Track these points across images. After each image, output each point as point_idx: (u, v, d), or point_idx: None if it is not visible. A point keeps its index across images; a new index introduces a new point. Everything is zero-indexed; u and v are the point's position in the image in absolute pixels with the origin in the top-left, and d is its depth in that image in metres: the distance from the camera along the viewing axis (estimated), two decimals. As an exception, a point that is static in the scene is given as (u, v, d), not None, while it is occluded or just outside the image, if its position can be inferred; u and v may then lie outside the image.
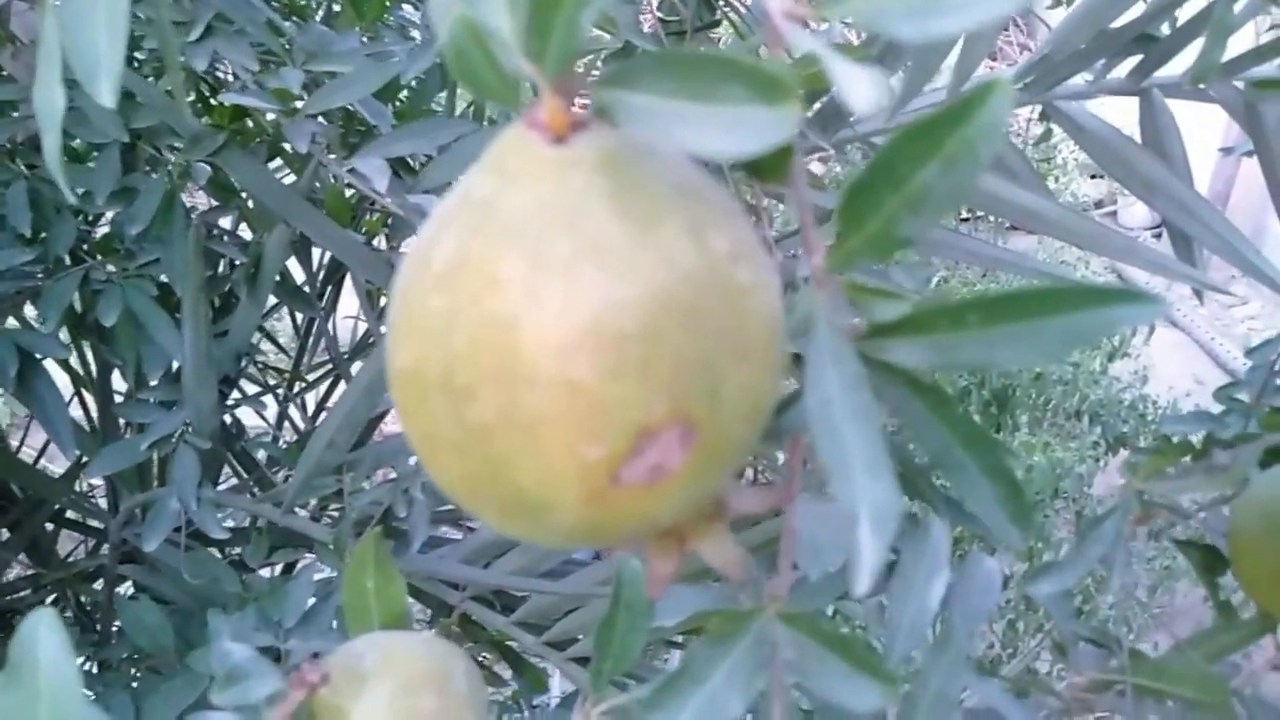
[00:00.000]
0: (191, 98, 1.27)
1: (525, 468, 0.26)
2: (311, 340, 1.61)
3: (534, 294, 0.25)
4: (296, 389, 1.61)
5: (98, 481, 1.48)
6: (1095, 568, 0.59)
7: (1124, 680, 0.57)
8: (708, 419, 0.26)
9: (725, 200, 0.28)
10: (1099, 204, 4.81)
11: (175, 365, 1.14)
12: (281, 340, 1.79)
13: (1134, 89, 0.90)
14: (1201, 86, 0.85)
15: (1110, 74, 0.90)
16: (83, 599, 1.34)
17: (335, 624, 1.00)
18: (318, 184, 1.21)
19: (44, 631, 0.33)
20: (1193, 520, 0.64)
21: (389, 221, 1.56)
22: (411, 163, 1.23)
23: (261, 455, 1.35)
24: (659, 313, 0.25)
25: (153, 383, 1.12)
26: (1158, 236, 4.24)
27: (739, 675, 0.37)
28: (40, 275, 1.06)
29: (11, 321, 1.15)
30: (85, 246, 1.11)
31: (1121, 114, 0.92)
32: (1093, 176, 4.72)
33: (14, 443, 1.59)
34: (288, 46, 0.92)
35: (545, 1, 0.23)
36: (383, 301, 1.62)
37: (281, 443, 1.50)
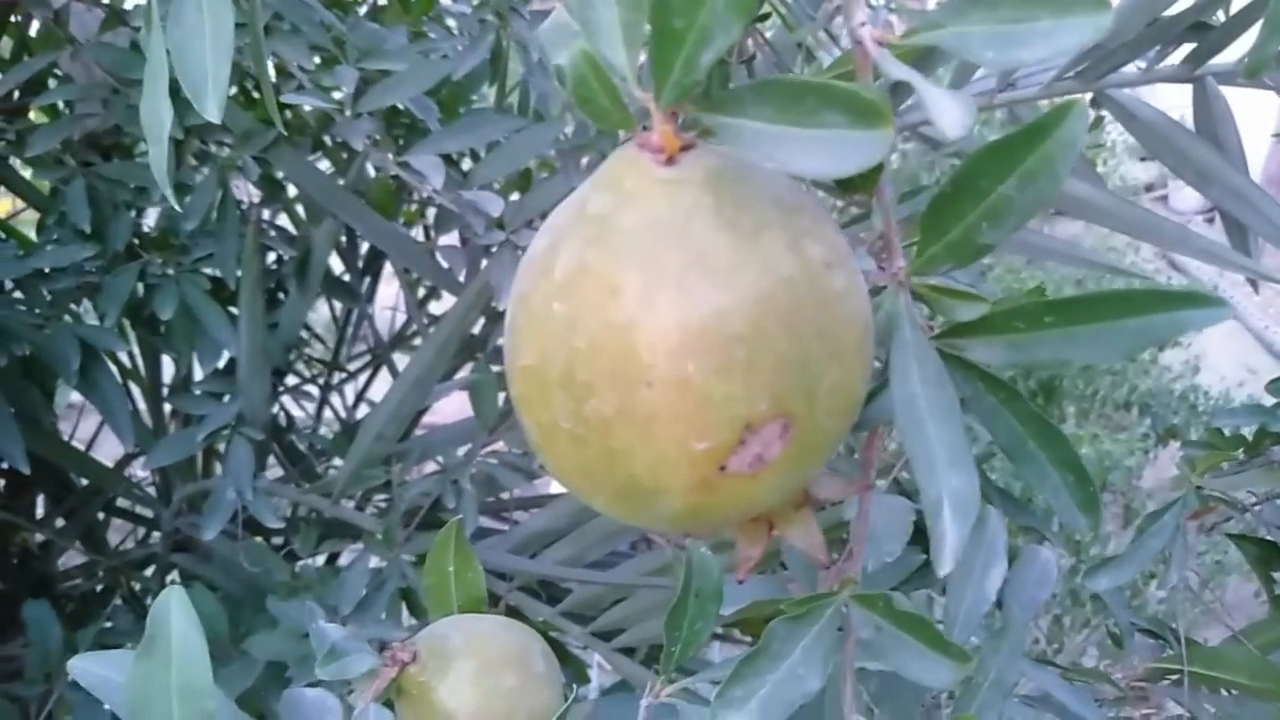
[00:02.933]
0: (234, 91, 1.30)
1: (639, 458, 0.28)
2: (351, 331, 1.63)
3: (649, 301, 0.27)
4: (336, 380, 1.64)
5: (143, 472, 1.51)
6: (1150, 563, 0.60)
7: (1180, 669, 0.59)
8: (805, 415, 0.29)
9: (819, 212, 0.30)
10: (1149, 187, 4.74)
11: (224, 359, 1.17)
12: (319, 330, 1.83)
13: (1187, 76, 0.90)
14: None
15: (1163, 62, 0.91)
16: (135, 586, 1.38)
17: (384, 614, 1.03)
18: (359, 177, 1.24)
19: (175, 607, 0.36)
20: (1247, 514, 0.66)
21: (424, 213, 1.59)
22: (454, 159, 1.25)
23: (305, 447, 1.38)
24: (762, 317, 0.28)
25: (203, 376, 1.15)
26: (1210, 221, 4.19)
27: (816, 653, 0.39)
28: (98, 271, 1.09)
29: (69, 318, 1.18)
30: (139, 242, 1.14)
31: (1175, 100, 0.92)
32: (1142, 159, 4.65)
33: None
34: (340, 44, 0.95)
35: (667, 40, 0.26)
36: (421, 292, 1.65)
37: (322, 434, 1.53)
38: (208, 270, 1.14)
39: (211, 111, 0.42)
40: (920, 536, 0.90)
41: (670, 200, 0.28)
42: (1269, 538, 0.72)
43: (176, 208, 0.73)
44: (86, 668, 0.40)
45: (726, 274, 0.27)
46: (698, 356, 0.27)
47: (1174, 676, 0.67)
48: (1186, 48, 0.88)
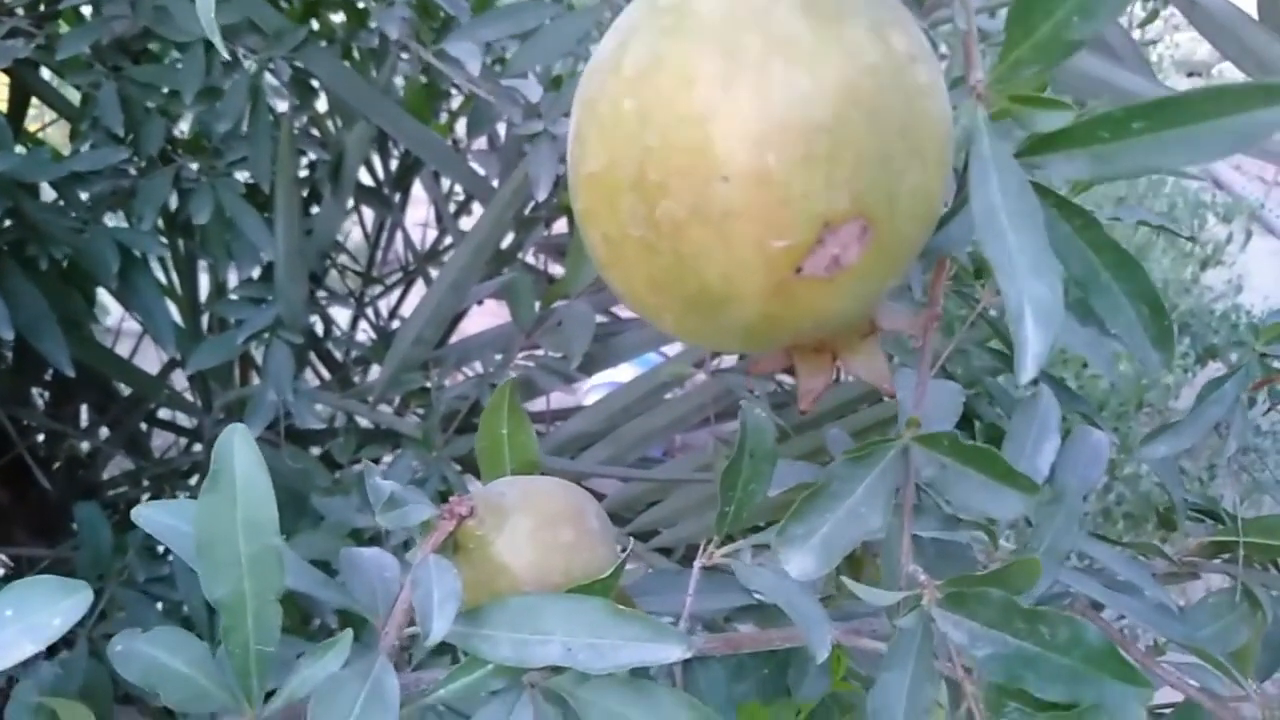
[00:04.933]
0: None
1: (713, 262, 0.27)
2: (385, 244, 1.63)
3: (727, 88, 0.26)
4: (369, 294, 1.64)
5: (183, 384, 1.53)
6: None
7: (1236, 540, 0.58)
8: (885, 217, 0.28)
9: (900, 6, 0.29)
10: (1194, 100, 4.62)
11: (259, 266, 1.17)
12: (349, 249, 1.83)
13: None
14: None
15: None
16: (178, 494, 1.40)
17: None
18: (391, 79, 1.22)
19: (239, 445, 0.36)
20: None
21: (453, 126, 1.57)
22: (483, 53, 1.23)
23: (341, 355, 1.39)
24: (845, 105, 0.26)
25: (239, 280, 1.15)
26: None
27: (878, 492, 0.39)
28: (132, 176, 1.08)
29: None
30: (172, 147, 1.14)
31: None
32: (1189, 74, 4.54)
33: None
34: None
35: None
36: (452, 208, 1.64)
37: (359, 342, 1.54)
38: (242, 175, 1.13)
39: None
40: (966, 422, 0.89)
41: (749, -16, 0.27)
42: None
43: (224, 53, 0.72)
44: (152, 515, 0.40)
45: (809, 60, 0.26)
46: (779, 147, 0.26)
47: (1227, 555, 0.66)
48: None
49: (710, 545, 0.52)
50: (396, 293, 1.70)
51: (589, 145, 0.29)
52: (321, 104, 1.30)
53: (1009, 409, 0.91)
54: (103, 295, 1.30)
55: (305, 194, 1.28)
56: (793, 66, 0.26)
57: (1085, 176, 0.32)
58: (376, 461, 1.42)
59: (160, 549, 1.10)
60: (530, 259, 1.47)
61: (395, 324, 1.69)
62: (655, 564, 1.17)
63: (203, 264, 1.29)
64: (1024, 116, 0.32)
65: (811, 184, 0.26)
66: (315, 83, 1.17)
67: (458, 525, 0.45)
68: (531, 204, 1.21)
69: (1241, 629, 0.62)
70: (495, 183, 1.22)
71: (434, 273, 1.62)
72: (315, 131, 1.35)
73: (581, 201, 0.30)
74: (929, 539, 0.54)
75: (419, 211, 1.76)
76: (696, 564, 0.52)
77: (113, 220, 1.17)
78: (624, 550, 0.50)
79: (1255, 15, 0.88)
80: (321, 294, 1.50)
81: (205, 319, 1.38)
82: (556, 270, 1.51)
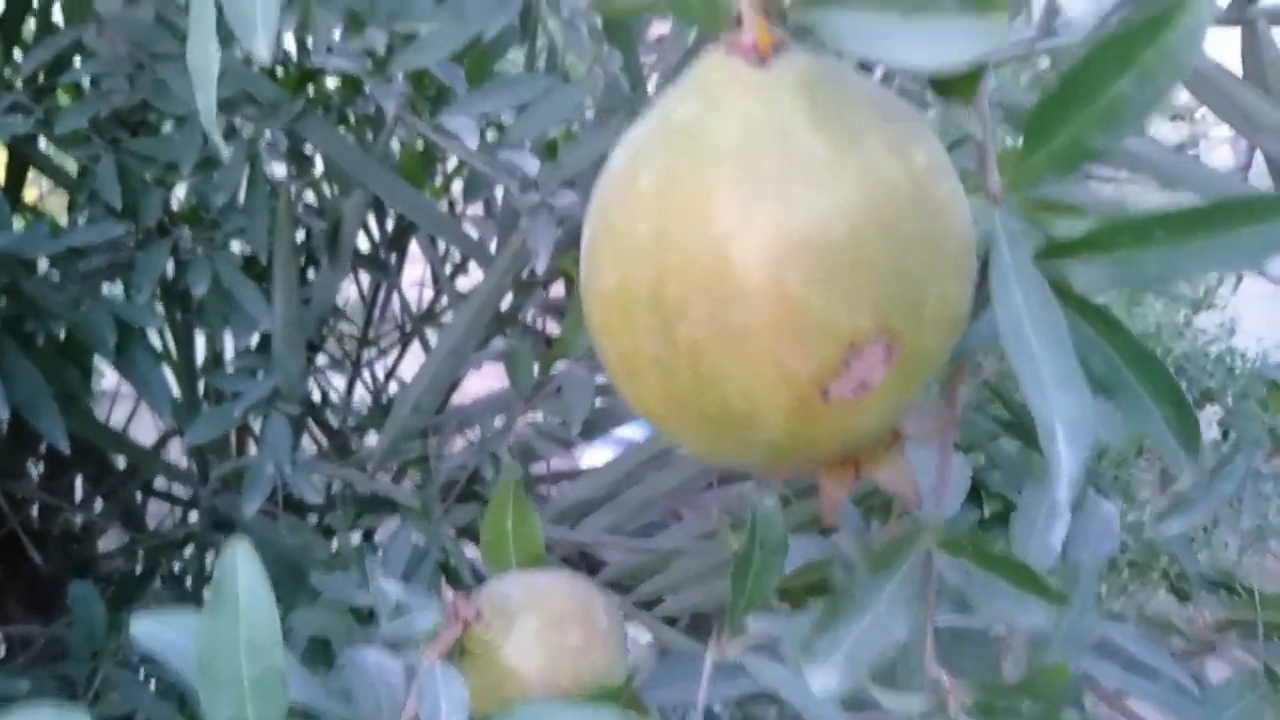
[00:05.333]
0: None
1: (734, 382, 0.27)
2: (380, 307, 1.62)
3: (746, 209, 0.25)
4: (366, 357, 1.63)
5: (179, 455, 1.51)
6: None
7: (1253, 618, 0.57)
8: (910, 332, 0.27)
9: (919, 119, 0.28)
10: (1180, 147, 4.69)
11: (255, 337, 1.16)
12: (345, 312, 1.82)
13: (1236, 19, 0.87)
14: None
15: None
16: (175, 567, 1.38)
17: (427, 589, 1.02)
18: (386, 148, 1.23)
19: (242, 562, 0.35)
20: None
21: (448, 188, 1.57)
22: (480, 128, 1.23)
23: (339, 422, 1.38)
24: (865, 223, 0.26)
25: (235, 352, 1.15)
26: (1244, 180, 4.13)
27: (901, 600, 0.37)
28: (130, 248, 1.08)
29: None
30: (170, 218, 1.13)
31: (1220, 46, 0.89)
32: (1173, 118, 4.58)
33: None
34: (373, 4, 0.93)
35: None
36: (448, 269, 1.64)
37: (356, 409, 1.53)
38: (239, 246, 1.13)
39: (261, 49, 0.40)
40: (975, 494, 0.88)
41: (765, 104, 0.26)
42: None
43: (224, 152, 0.72)
44: (148, 629, 0.39)
45: (827, 177, 0.26)
46: (798, 265, 0.25)
47: (1242, 626, 0.65)
48: None
49: (722, 636, 0.50)
50: (394, 354, 1.70)
51: (604, 262, 0.28)
52: (317, 167, 1.30)
53: (1012, 474, 0.90)
54: (98, 358, 1.29)
55: (302, 261, 1.28)
56: (810, 186, 0.25)
57: (1106, 283, 0.31)
58: (373, 532, 1.41)
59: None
60: (529, 319, 1.47)
61: (393, 386, 1.68)
62: (660, 634, 1.15)
63: (201, 330, 1.28)
64: (1043, 222, 0.31)
65: (833, 304, 0.26)
66: (311, 150, 1.17)
67: (465, 630, 0.43)
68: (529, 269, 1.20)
69: (1264, 710, 0.60)
70: (492, 247, 1.21)
71: (431, 334, 1.62)
72: (312, 198, 1.36)
73: (596, 317, 0.29)
74: (943, 628, 0.53)
75: (416, 269, 1.76)
76: (708, 657, 0.50)
77: (108, 288, 1.17)
78: (627, 624, 0.48)
79: (1239, 72, 0.89)
80: (322, 359, 1.49)
81: (204, 390, 1.37)
82: (554, 329, 1.50)
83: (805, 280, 0.25)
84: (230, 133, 1.12)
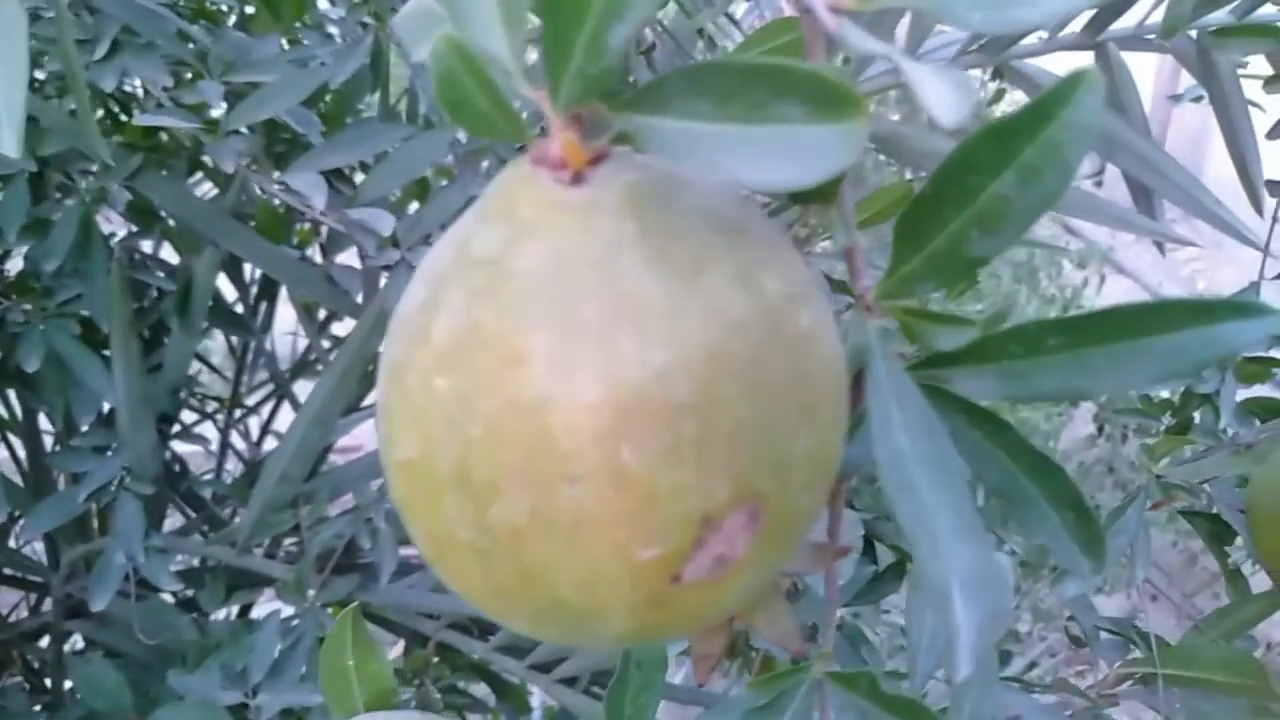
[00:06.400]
0: (101, 114, 1.19)
1: (566, 575, 0.22)
2: (250, 360, 1.53)
3: (564, 368, 0.20)
4: (238, 414, 1.53)
5: (26, 539, 1.40)
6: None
7: (1153, 671, 0.55)
8: (776, 493, 0.22)
9: (770, 231, 0.24)
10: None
11: (108, 407, 1.07)
12: (215, 360, 1.71)
13: (1089, 44, 0.88)
14: (1152, 38, 0.84)
15: (1063, 30, 0.89)
16: (29, 658, 1.26)
17: (304, 671, 0.95)
18: (243, 197, 1.15)
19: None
20: (1201, 495, 0.62)
21: (319, 232, 1.49)
22: (345, 171, 1.16)
23: (209, 493, 1.28)
24: (713, 377, 0.21)
25: (85, 428, 1.05)
26: (1099, 184, 4.29)
27: (792, 741, 0.33)
28: (-49, 322, 0.98)
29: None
30: (-1, 288, 1.03)
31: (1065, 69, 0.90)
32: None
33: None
34: (203, 57, 0.86)
35: (562, 16, 0.19)
36: (321, 314, 1.55)
37: (226, 473, 1.43)
38: (79, 312, 1.03)
39: (9, 145, 0.34)
40: (869, 548, 0.85)
41: (581, 231, 0.21)
42: (1219, 513, 0.68)
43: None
44: None
45: (664, 325, 0.21)
46: (635, 438, 0.20)
47: (1136, 680, 0.64)
48: (1086, 15, 0.86)
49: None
50: (269, 408, 1.60)
51: (399, 426, 0.23)
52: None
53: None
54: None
55: (154, 324, 1.19)
56: (644, 335, 0.21)
57: (996, 396, 0.27)
58: (249, 607, 1.32)
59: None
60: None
61: (270, 442, 1.58)
62: (560, 696, 1.09)
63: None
64: (922, 333, 0.27)
65: (681, 477, 0.21)
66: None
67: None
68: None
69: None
70: (360, 298, 1.14)
71: (305, 386, 1.52)
72: (170, 250, 1.26)
73: (397, 490, 0.24)
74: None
75: (290, 314, 1.66)
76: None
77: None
78: None
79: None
80: (189, 419, 1.39)
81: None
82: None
83: (643, 454, 0.20)
84: (65, 190, 1.03)
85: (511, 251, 0.21)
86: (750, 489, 0.22)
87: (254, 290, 1.42)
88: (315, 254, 1.47)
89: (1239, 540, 0.67)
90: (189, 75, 0.90)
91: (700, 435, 0.21)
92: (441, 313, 0.22)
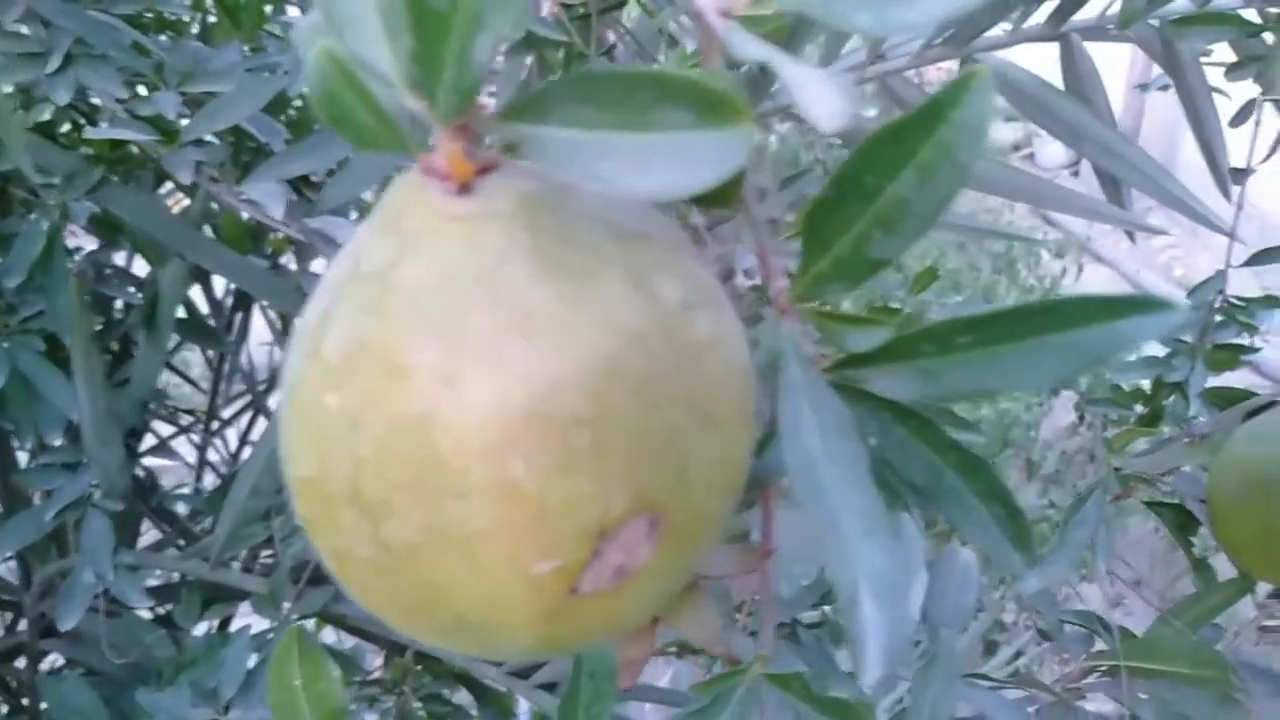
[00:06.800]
0: (67, 127, 1.19)
1: (464, 590, 0.21)
2: (226, 372, 1.52)
3: (450, 382, 0.20)
4: (214, 427, 1.52)
5: None
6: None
7: (1117, 664, 0.55)
8: (677, 502, 0.22)
9: (670, 234, 0.24)
10: (1016, 146, 4.85)
11: (64, 428, 1.06)
12: (195, 373, 1.71)
13: (1053, 35, 0.88)
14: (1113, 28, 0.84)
15: (1027, 21, 0.89)
16: (6, 679, 1.25)
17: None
18: (215, 205, 1.14)
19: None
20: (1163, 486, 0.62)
21: (292, 240, 1.48)
22: (313, 178, 1.16)
23: (182, 507, 1.28)
24: (607, 386, 0.21)
25: (53, 444, 1.04)
26: (1075, 174, 4.31)
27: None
28: (-87, 341, 0.97)
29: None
30: (-40, 305, 1.02)
31: (1037, 61, 0.90)
32: (1008, 119, 4.75)
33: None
34: (159, 69, 0.85)
35: (429, 29, 0.18)
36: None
37: (204, 487, 1.43)
38: (43, 328, 1.03)
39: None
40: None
41: (469, 242, 0.21)
42: (1182, 503, 0.69)
43: None
44: None
45: (555, 334, 0.20)
46: (526, 452, 0.20)
47: (1102, 670, 0.64)
48: (1049, 6, 0.86)
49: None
50: (245, 420, 1.59)
51: (296, 443, 0.23)
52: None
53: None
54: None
55: (122, 338, 1.18)
56: (533, 345, 0.20)
57: (912, 395, 0.27)
58: (229, 620, 1.31)
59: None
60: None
61: (247, 453, 1.57)
62: (538, 701, 1.09)
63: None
64: (835, 334, 0.27)
65: (575, 490, 0.21)
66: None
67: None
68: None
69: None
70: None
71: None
72: (133, 262, 1.25)
73: (300, 507, 0.24)
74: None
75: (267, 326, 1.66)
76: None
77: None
78: None
79: (1061, 85, 0.90)
80: (159, 434, 1.38)
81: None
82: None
83: (534, 468, 0.20)
84: (29, 206, 1.03)
85: (398, 264, 0.21)
86: (648, 499, 0.21)
87: (229, 302, 1.41)
88: (291, 263, 1.47)
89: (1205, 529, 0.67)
90: (145, 87, 0.89)
91: (594, 447, 0.21)
92: (332, 327, 0.22)
